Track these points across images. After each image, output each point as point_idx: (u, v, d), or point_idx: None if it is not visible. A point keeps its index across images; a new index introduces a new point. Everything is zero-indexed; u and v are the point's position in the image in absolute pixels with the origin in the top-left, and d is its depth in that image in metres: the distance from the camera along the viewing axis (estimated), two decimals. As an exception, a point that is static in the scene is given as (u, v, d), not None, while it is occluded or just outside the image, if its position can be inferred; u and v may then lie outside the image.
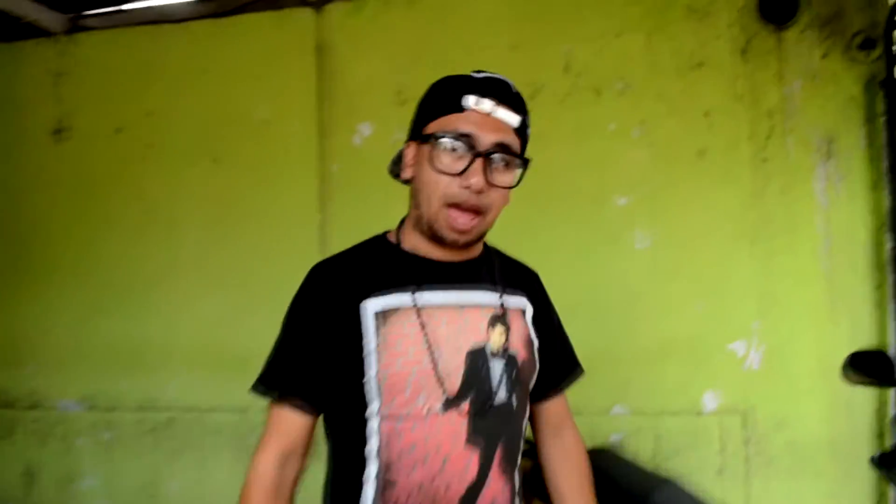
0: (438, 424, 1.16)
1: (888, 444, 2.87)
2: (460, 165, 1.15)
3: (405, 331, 1.16)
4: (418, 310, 1.18)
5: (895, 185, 2.90)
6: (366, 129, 3.36)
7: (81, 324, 3.72)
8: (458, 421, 1.18)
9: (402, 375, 1.15)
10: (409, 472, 1.16)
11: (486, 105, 1.17)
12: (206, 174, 3.55)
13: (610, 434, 3.12)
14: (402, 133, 3.42)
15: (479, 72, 1.27)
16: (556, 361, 1.37)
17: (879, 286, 2.92)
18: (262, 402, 3.56)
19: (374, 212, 3.44)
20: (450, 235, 1.19)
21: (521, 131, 1.24)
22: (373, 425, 1.17)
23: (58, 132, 3.73)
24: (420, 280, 1.21)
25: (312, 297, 1.30)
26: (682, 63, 3.06)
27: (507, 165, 1.21)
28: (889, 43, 2.92)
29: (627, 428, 3.08)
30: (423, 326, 1.18)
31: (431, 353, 1.16)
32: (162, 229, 3.62)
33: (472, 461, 1.17)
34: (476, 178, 1.15)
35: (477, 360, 1.20)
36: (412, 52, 3.32)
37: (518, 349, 1.25)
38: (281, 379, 1.33)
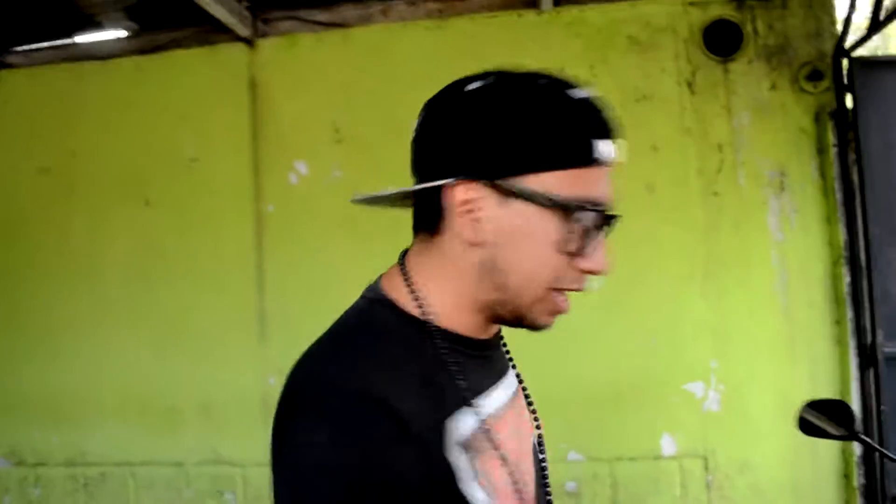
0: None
1: (855, 485, 2.73)
2: (587, 243, 0.79)
3: (487, 463, 0.79)
4: (486, 429, 0.80)
5: (850, 218, 2.66)
6: (302, 168, 3.06)
7: (3, 373, 3.35)
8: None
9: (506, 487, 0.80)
10: None
11: (612, 153, 0.80)
12: (134, 215, 3.21)
13: (565, 481, 2.92)
14: (340, 171, 3.11)
15: (570, 84, 0.81)
16: None
17: (838, 321, 2.68)
18: (197, 456, 3.45)
19: (312, 253, 3.03)
20: (547, 323, 0.83)
21: None
22: None
23: (-22, 173, 3.36)
24: (472, 383, 0.81)
25: (366, 443, 0.70)
26: (626, 96, 2.80)
27: None
28: (838, 73, 2.68)
29: (583, 475, 2.79)
30: (497, 448, 0.80)
31: (515, 484, 0.82)
32: (86, 273, 3.26)
33: None
34: (604, 263, 0.80)
35: (536, 457, 0.91)
36: (347, 89, 3.03)
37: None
38: None
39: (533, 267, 0.78)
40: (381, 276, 0.86)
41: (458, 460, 0.75)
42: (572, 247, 0.78)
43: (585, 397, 2.81)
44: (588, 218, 0.77)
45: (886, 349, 2.63)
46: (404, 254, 0.86)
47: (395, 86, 2.99)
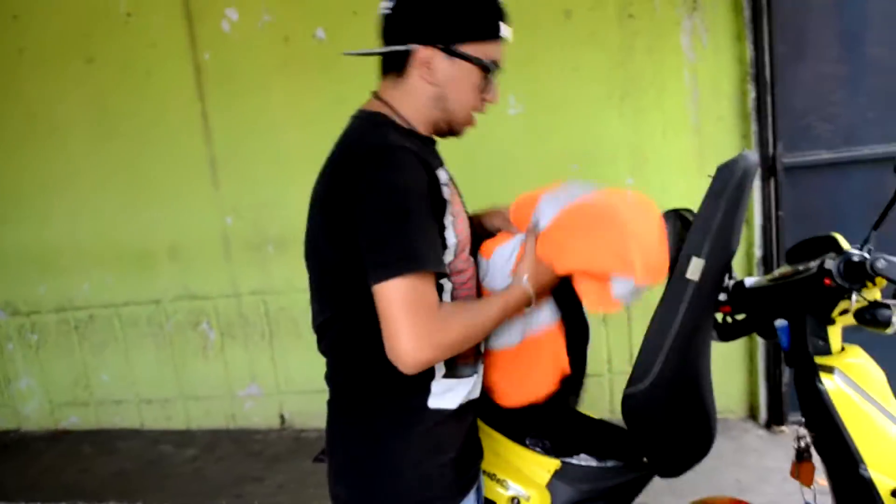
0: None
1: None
2: (491, 86, 1.25)
3: (456, 199, 1.24)
4: (452, 180, 1.27)
5: (757, 36, 2.68)
6: (233, 15, 3.05)
7: None
8: None
9: (466, 237, 1.24)
10: None
11: (508, 33, 1.23)
12: (81, 74, 3.24)
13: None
14: (270, 16, 3.11)
15: None
16: None
17: (745, 135, 2.77)
18: (172, 293, 3.69)
19: (251, 96, 3.09)
20: (461, 132, 1.30)
21: None
22: (447, 286, 1.20)
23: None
24: (438, 163, 1.27)
25: (415, 173, 1.15)
26: None
27: None
28: None
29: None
30: (460, 197, 1.29)
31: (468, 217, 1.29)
32: (46, 134, 3.34)
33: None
34: (495, 96, 1.27)
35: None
36: None
37: None
38: (423, 256, 1.10)
39: (465, 99, 1.24)
40: (366, 107, 1.27)
41: (445, 195, 1.18)
42: (483, 88, 1.24)
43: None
44: (494, 72, 1.23)
45: (785, 159, 2.76)
46: (376, 93, 1.27)
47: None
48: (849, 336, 1.25)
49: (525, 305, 1.23)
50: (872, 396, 1.16)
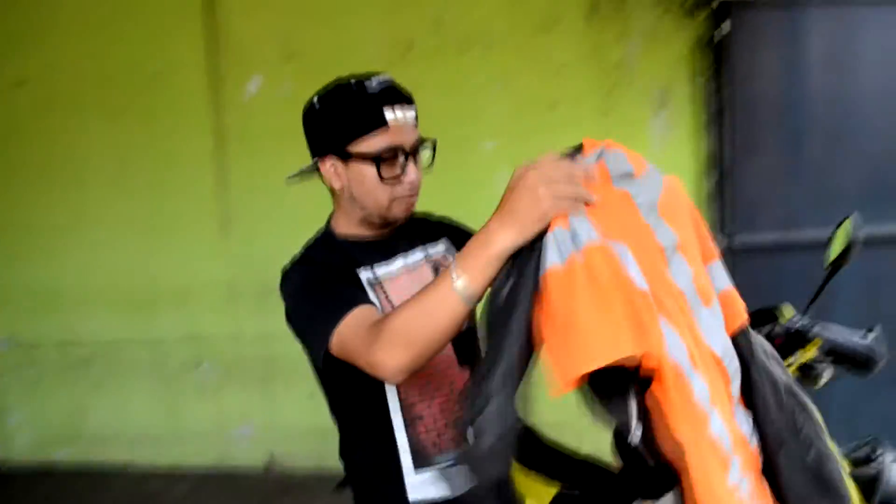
0: (437, 360, 1.24)
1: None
2: (398, 170, 1.29)
3: (380, 301, 1.30)
4: (379, 281, 1.33)
5: (717, 132, 3.09)
6: (256, 83, 3.32)
7: (1, 269, 3.64)
8: (449, 351, 1.37)
9: None
10: (430, 402, 1.32)
11: (400, 115, 1.28)
12: (104, 129, 3.43)
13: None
14: (292, 86, 3.61)
15: (367, 78, 1.30)
16: None
17: (704, 218, 3.31)
18: (175, 334, 3.85)
19: (268, 160, 3.27)
20: (401, 217, 1.34)
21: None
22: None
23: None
24: (370, 260, 1.34)
25: (320, 263, 1.33)
26: (537, 23, 3.10)
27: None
28: (716, 6, 3.02)
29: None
30: (385, 294, 1.33)
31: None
32: (68, 181, 3.50)
33: (463, 376, 1.37)
34: (414, 177, 1.31)
35: None
36: (295, 8, 3.25)
37: None
38: (342, 305, 1.20)
39: (372, 192, 1.31)
40: (327, 220, 1.43)
41: (366, 286, 1.31)
42: (388, 176, 1.29)
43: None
44: (392, 158, 1.29)
45: (739, 241, 3.14)
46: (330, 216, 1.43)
47: (339, 7, 3.25)
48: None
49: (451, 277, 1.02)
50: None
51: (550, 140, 3.11)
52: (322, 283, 1.28)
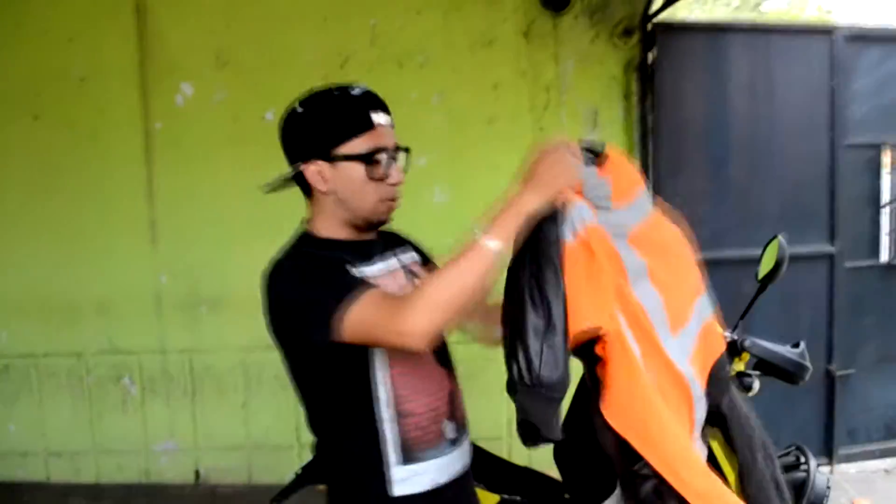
0: (417, 359, 1.34)
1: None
2: (384, 170, 1.33)
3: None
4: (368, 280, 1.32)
5: (644, 152, 3.18)
6: (187, 90, 3.27)
7: None
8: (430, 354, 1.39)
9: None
10: (419, 398, 1.34)
11: (384, 119, 1.33)
12: (27, 130, 3.32)
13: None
14: (223, 94, 3.49)
15: (351, 87, 1.36)
16: None
17: None
18: (95, 346, 3.70)
19: (198, 165, 3.31)
20: (385, 218, 1.39)
21: None
22: (378, 375, 1.30)
23: None
24: (353, 260, 1.34)
25: (314, 256, 1.33)
26: (474, 40, 3.15)
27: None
28: (644, 32, 3.14)
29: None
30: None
31: None
32: None
33: (443, 375, 1.40)
34: (398, 177, 1.36)
35: None
36: (228, 18, 3.22)
37: None
38: (352, 288, 1.23)
39: (361, 194, 1.33)
40: (300, 226, 1.42)
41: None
42: (377, 175, 1.33)
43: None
44: (380, 157, 1.32)
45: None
46: (303, 219, 1.42)
47: (272, 19, 3.23)
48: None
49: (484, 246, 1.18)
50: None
51: (487, 153, 3.19)
52: (323, 272, 1.29)
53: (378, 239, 1.45)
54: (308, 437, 1.44)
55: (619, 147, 3.19)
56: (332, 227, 1.38)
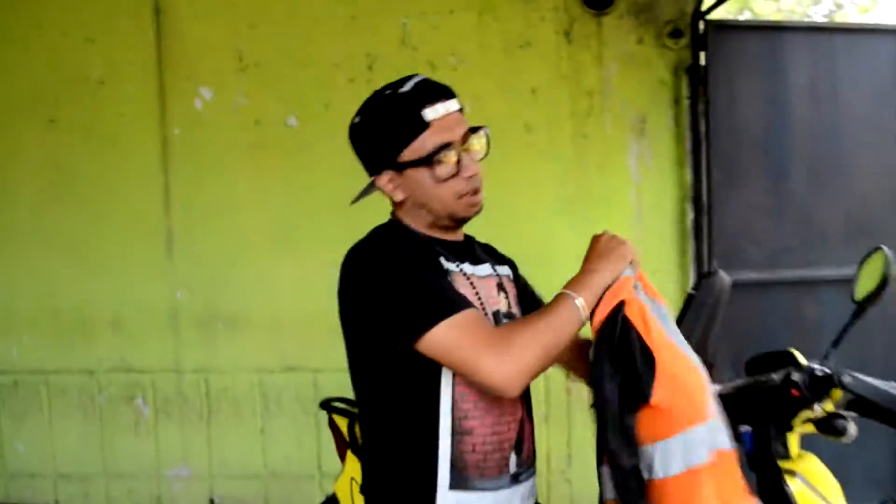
0: None
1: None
2: (454, 167, 1.25)
3: (465, 291, 1.25)
4: (467, 276, 1.29)
5: (697, 162, 2.95)
6: (206, 94, 3.13)
7: None
8: None
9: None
10: (483, 417, 1.23)
11: (441, 109, 1.24)
12: (41, 134, 3.20)
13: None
14: (244, 99, 3.25)
15: (402, 82, 1.28)
16: (534, 306, 1.44)
17: (683, 252, 3.01)
18: (108, 364, 3.60)
19: (217, 174, 3.14)
20: (470, 213, 1.32)
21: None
22: (447, 379, 1.21)
23: None
24: (450, 256, 1.30)
25: (410, 248, 1.26)
26: (510, 42, 2.97)
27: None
28: (695, 33, 2.92)
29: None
30: (475, 289, 1.29)
31: (484, 312, 1.28)
32: None
33: (516, 401, 1.28)
34: (472, 169, 1.27)
35: (499, 321, 1.32)
36: (251, 19, 3.08)
37: (515, 310, 1.38)
38: (449, 302, 1.19)
39: (436, 194, 1.27)
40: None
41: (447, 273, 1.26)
42: (446, 174, 1.25)
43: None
44: (443, 155, 1.24)
45: (718, 277, 2.99)
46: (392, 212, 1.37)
47: (297, 19, 3.07)
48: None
49: (576, 313, 1.18)
50: (830, 501, 1.28)
51: (524, 163, 2.98)
52: (420, 273, 1.21)
53: (474, 247, 1.42)
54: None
55: (672, 157, 3.01)
56: (419, 227, 1.33)
